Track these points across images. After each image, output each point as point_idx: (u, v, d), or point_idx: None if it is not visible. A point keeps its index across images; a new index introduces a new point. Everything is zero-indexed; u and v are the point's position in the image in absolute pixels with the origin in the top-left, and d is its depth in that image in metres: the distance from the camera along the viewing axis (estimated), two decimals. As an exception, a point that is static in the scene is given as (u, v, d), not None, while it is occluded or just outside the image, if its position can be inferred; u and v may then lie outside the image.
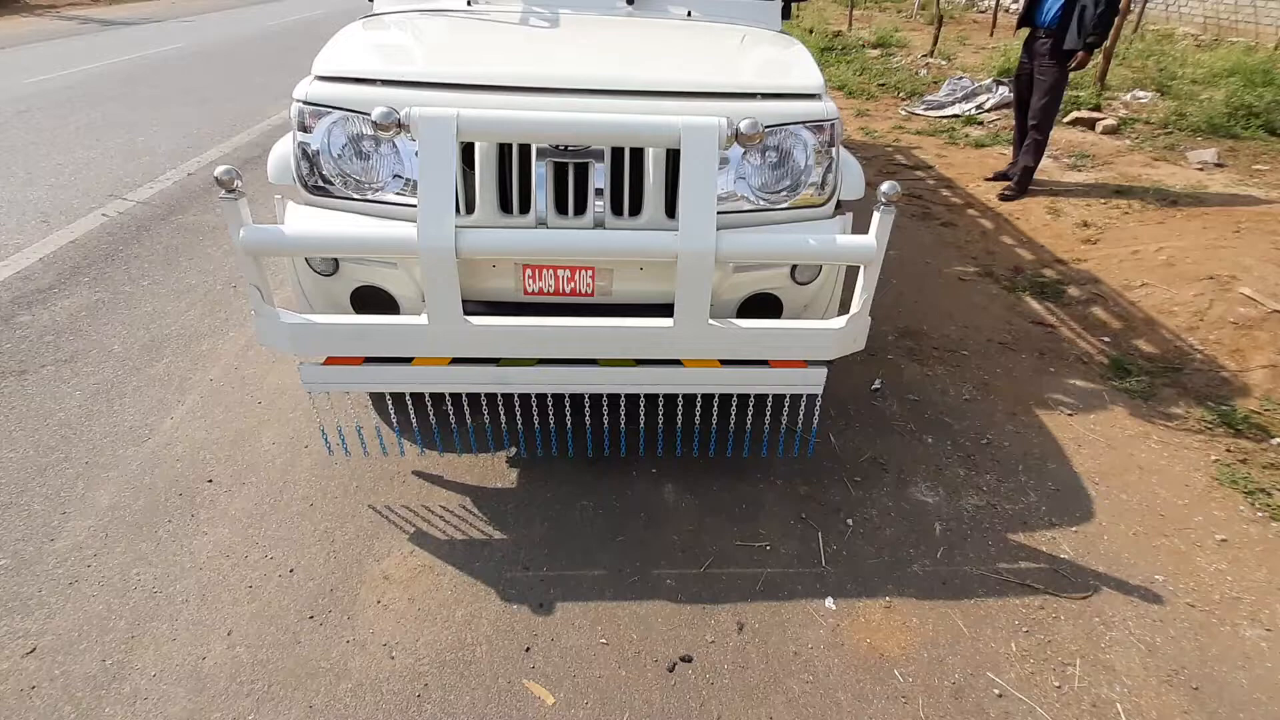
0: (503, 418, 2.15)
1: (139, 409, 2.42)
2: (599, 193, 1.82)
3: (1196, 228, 3.95)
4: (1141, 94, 7.00)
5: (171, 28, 13.85)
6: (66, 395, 2.47)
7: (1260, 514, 2.12)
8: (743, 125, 1.66)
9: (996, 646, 1.70)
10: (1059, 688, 1.61)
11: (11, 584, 1.77)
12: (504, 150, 1.79)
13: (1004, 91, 6.71)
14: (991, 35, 11.44)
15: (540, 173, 1.80)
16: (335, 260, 1.91)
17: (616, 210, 1.85)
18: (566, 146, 1.78)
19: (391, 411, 2.37)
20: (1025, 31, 4.50)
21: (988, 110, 6.56)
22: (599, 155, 1.80)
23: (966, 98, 6.87)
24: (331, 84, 1.87)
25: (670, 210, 1.84)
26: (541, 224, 1.84)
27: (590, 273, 1.89)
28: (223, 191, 1.61)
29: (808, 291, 2.06)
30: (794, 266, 1.97)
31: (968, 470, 2.27)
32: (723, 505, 2.09)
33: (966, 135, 6.11)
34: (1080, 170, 5.14)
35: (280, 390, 2.53)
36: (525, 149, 1.79)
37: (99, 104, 6.81)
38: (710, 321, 1.79)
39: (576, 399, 2.35)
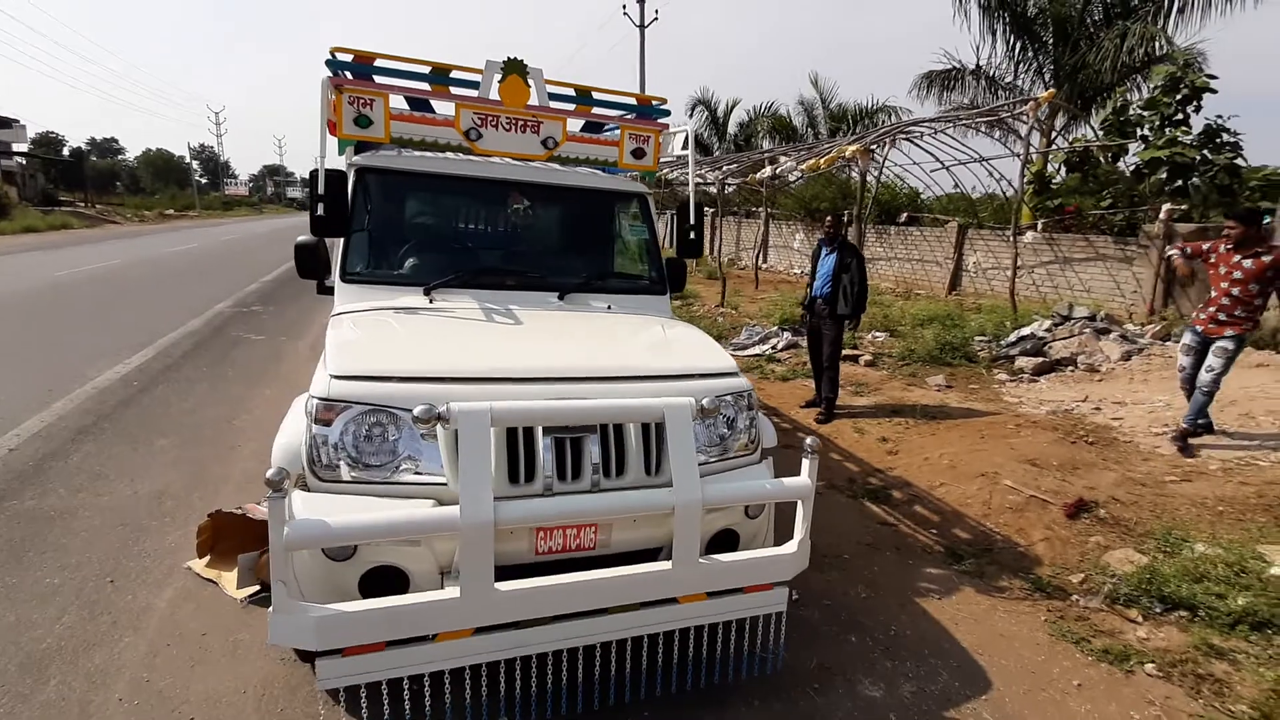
0: (484, 688, 2.03)
1: (28, 754, 1.99)
2: (594, 464, 2.18)
3: (957, 437, 5.28)
4: (878, 334, 9.28)
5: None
6: (-86, 754, 1.96)
7: (1089, 658, 2.79)
8: (705, 403, 2.23)
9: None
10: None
11: None
12: (512, 431, 2.12)
13: (788, 335, 8.51)
14: (756, 288, 14.42)
15: (545, 446, 2.13)
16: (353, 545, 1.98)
17: (606, 473, 2.22)
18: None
19: (363, 705, 2.20)
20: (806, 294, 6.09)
21: (781, 350, 8.21)
22: (593, 429, 2.20)
23: (763, 340, 8.56)
24: (349, 382, 2.10)
25: (648, 469, 2.26)
26: (547, 490, 2.13)
27: (593, 529, 2.18)
28: (271, 492, 1.71)
29: (756, 524, 2.54)
30: (747, 505, 2.45)
31: (892, 661, 2.71)
32: (719, 735, 2.25)
33: (773, 371, 7.55)
34: (862, 396, 6.60)
35: (213, 699, 2.25)
36: (531, 429, 2.13)
37: None
38: (700, 560, 2.15)
39: (570, 653, 2.31)
